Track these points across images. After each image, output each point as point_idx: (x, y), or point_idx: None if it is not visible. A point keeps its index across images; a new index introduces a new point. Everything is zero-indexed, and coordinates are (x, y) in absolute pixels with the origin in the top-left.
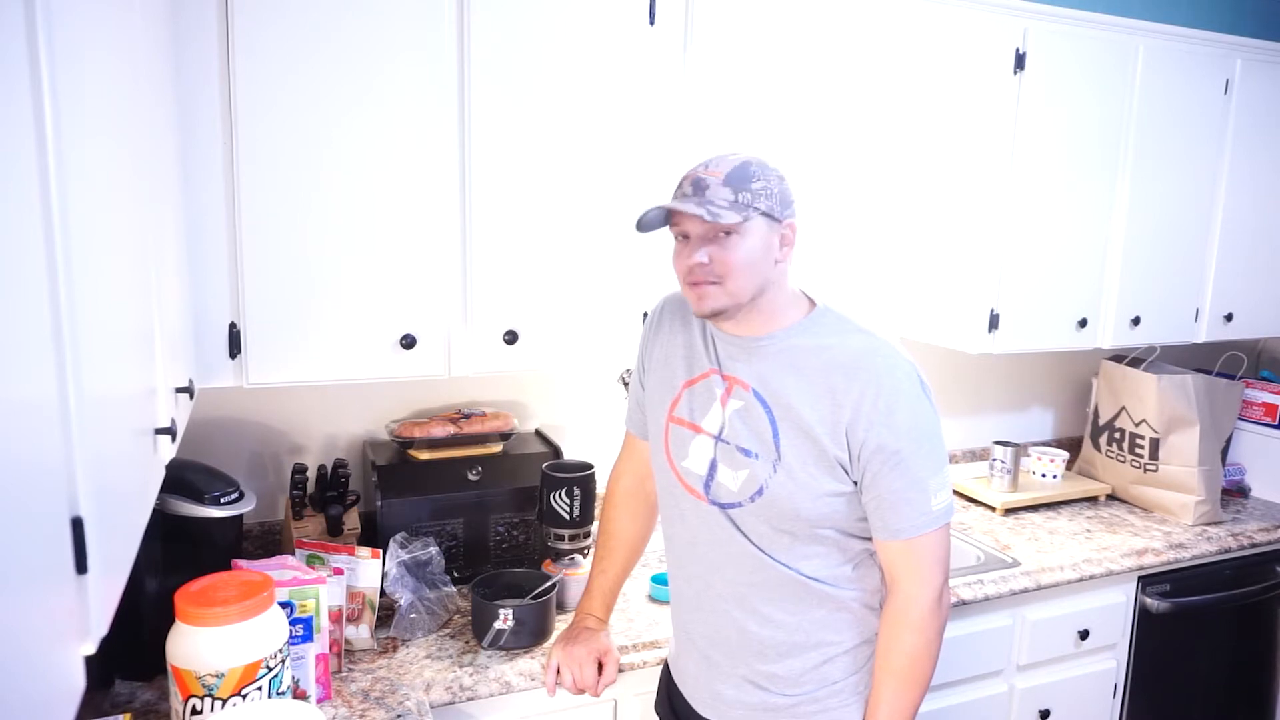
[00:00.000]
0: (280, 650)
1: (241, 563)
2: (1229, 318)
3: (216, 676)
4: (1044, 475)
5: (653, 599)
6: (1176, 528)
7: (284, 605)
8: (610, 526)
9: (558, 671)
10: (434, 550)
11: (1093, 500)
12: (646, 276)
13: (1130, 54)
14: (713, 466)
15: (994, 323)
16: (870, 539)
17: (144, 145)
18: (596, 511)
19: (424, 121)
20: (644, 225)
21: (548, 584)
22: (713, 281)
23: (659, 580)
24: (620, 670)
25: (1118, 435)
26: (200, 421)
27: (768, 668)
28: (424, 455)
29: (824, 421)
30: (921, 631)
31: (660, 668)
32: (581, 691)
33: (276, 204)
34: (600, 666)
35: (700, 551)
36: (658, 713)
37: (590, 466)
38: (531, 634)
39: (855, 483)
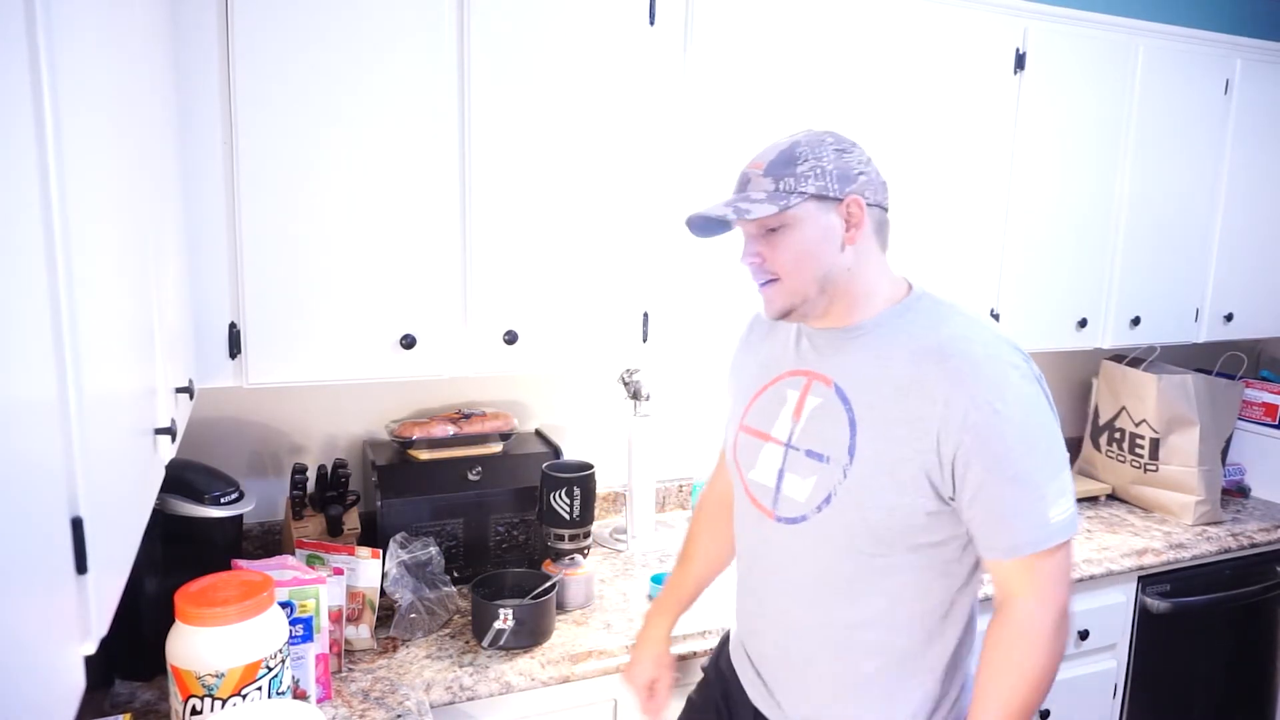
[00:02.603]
0: (280, 650)
1: (241, 563)
2: (1229, 318)
3: (216, 676)
4: None
5: (653, 599)
6: (1176, 528)
7: (284, 605)
8: (691, 541)
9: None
10: (434, 550)
11: (1093, 500)
12: (646, 277)
13: (1130, 54)
14: (780, 476)
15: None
16: (954, 582)
17: (144, 145)
18: (596, 512)
19: (424, 122)
20: (693, 232)
21: (548, 584)
22: (771, 279)
23: (659, 580)
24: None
25: (1118, 435)
26: (200, 421)
27: (818, 699)
28: (424, 455)
29: (911, 420)
30: (1040, 654)
31: None
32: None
33: (276, 204)
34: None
35: (757, 575)
36: (705, 671)
37: (590, 466)
38: (531, 634)
39: (949, 499)
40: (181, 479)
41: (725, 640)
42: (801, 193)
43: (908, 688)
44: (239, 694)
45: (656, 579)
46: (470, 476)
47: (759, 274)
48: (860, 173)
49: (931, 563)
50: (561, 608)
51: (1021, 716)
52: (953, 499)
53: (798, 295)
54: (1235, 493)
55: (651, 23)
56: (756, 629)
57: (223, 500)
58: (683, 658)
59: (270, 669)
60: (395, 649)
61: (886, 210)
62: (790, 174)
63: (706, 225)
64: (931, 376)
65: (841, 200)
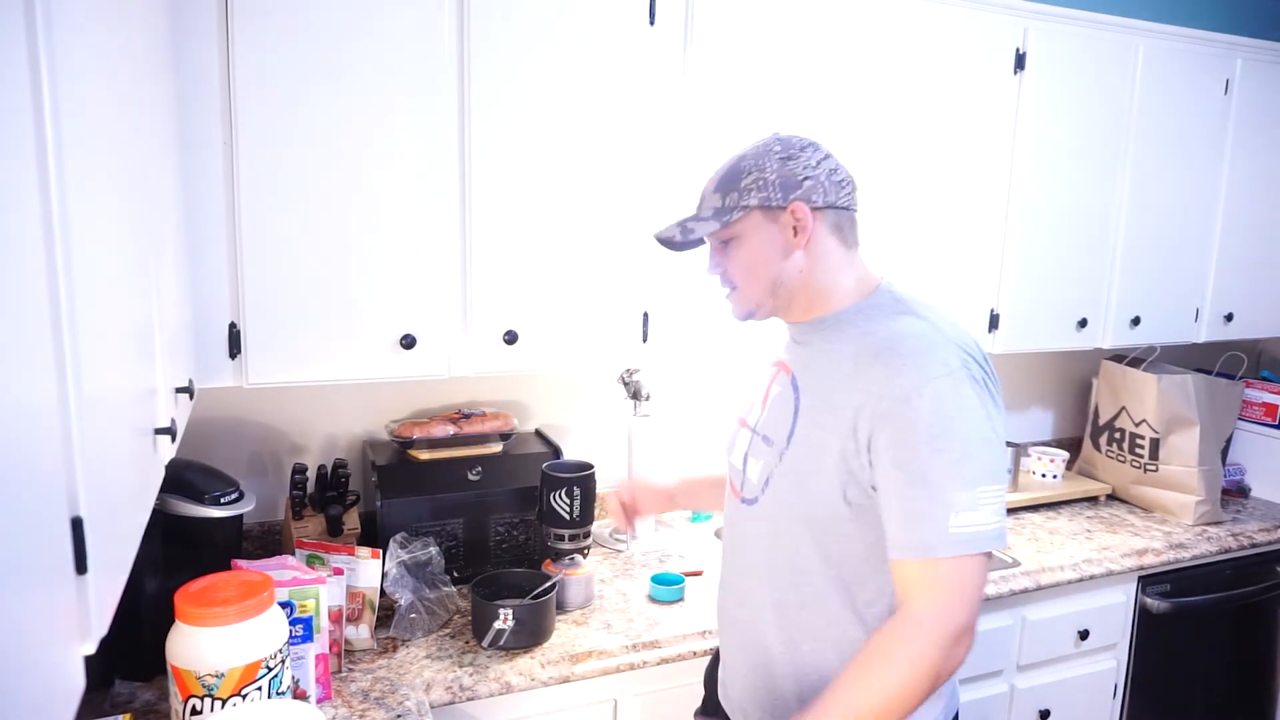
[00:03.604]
0: (280, 650)
1: (241, 563)
2: (1229, 318)
3: (216, 676)
4: (1044, 475)
5: (652, 599)
6: (1177, 528)
7: (284, 605)
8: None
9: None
10: (434, 550)
11: (1093, 500)
12: (646, 277)
13: (1130, 54)
14: (744, 460)
15: (994, 323)
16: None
17: (144, 145)
18: (596, 512)
19: (424, 120)
20: (665, 249)
21: (548, 584)
22: (732, 288)
23: (659, 580)
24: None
25: (1118, 435)
26: (200, 421)
27: (761, 691)
28: (424, 455)
29: (838, 408)
30: (909, 664)
31: (661, 666)
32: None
33: (277, 204)
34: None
35: (728, 554)
36: (705, 683)
37: (590, 466)
38: (531, 634)
39: (871, 489)
40: (181, 479)
41: (717, 654)
42: (745, 206)
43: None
44: (239, 694)
45: (656, 579)
46: (470, 476)
47: (722, 283)
48: (805, 178)
49: (866, 554)
50: (561, 608)
51: (866, 714)
52: (875, 489)
53: (753, 302)
54: (1235, 493)
55: (651, 23)
56: (724, 610)
57: (223, 500)
58: (681, 657)
59: (270, 669)
60: (395, 649)
61: (847, 209)
62: (735, 188)
63: (671, 243)
64: (865, 368)
65: (785, 208)
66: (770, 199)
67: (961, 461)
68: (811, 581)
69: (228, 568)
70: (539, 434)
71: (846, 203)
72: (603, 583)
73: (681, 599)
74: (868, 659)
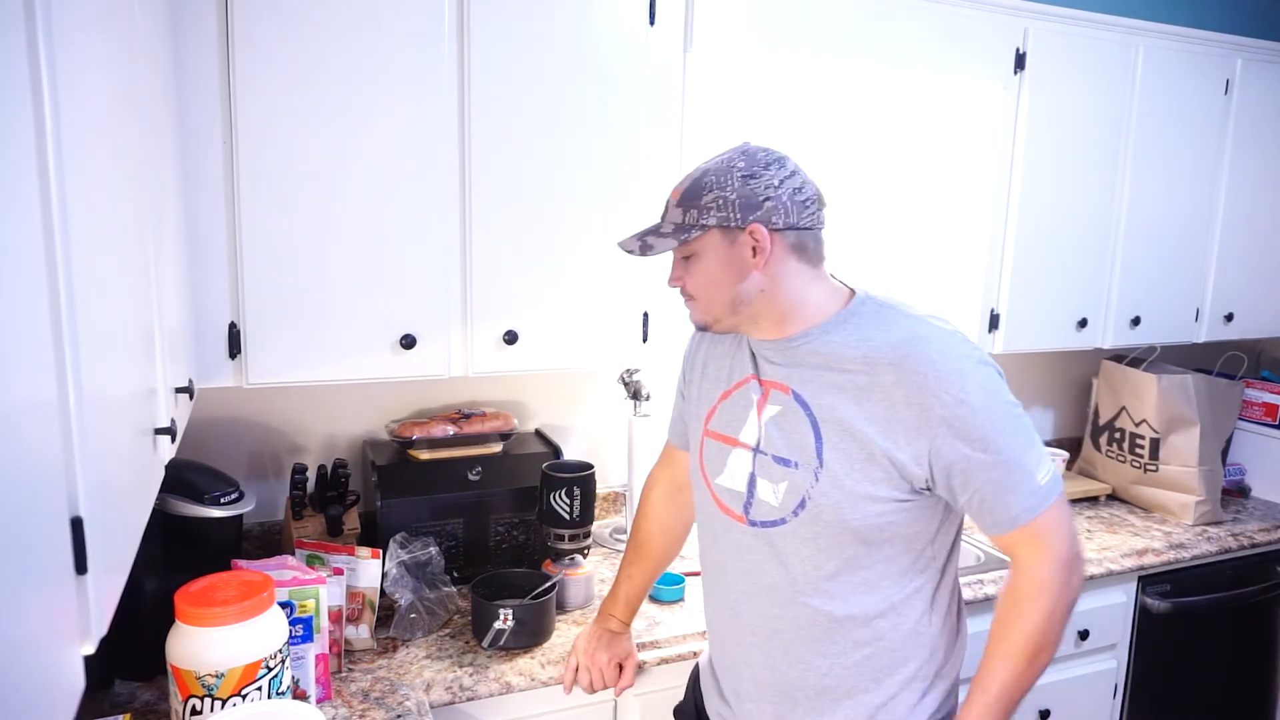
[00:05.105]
0: (280, 650)
1: (241, 563)
2: (1229, 318)
3: (216, 676)
4: None
5: (653, 599)
6: (1177, 528)
7: (284, 605)
8: (640, 536)
9: (576, 670)
10: (434, 550)
11: (1093, 500)
12: (646, 277)
13: (1130, 54)
14: (751, 482)
15: (994, 323)
16: (930, 566)
17: (144, 145)
18: (596, 512)
19: (424, 121)
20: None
21: (548, 584)
22: (691, 297)
23: (659, 580)
24: (641, 666)
25: (1118, 435)
26: (200, 421)
27: (799, 711)
28: (424, 455)
29: (875, 420)
30: (1043, 601)
31: (661, 667)
32: (595, 691)
33: (277, 204)
34: (621, 669)
35: (730, 579)
36: (676, 716)
37: (590, 466)
38: (531, 634)
39: (922, 489)
40: (181, 479)
41: (695, 675)
42: (703, 225)
43: (896, 680)
44: (239, 694)
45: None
46: (470, 476)
47: (682, 294)
48: (765, 199)
49: (907, 553)
50: (561, 608)
51: (1033, 664)
52: (927, 490)
53: (711, 315)
54: (1235, 493)
55: (651, 23)
56: (733, 638)
57: (223, 500)
58: (681, 657)
59: (270, 669)
60: (395, 649)
61: (810, 229)
62: (696, 205)
63: (632, 254)
64: (889, 379)
65: (744, 229)
66: (729, 219)
67: (1019, 428)
68: (856, 591)
69: (228, 568)
70: (539, 434)
71: (810, 223)
72: (603, 583)
73: (681, 599)
74: (1007, 638)
